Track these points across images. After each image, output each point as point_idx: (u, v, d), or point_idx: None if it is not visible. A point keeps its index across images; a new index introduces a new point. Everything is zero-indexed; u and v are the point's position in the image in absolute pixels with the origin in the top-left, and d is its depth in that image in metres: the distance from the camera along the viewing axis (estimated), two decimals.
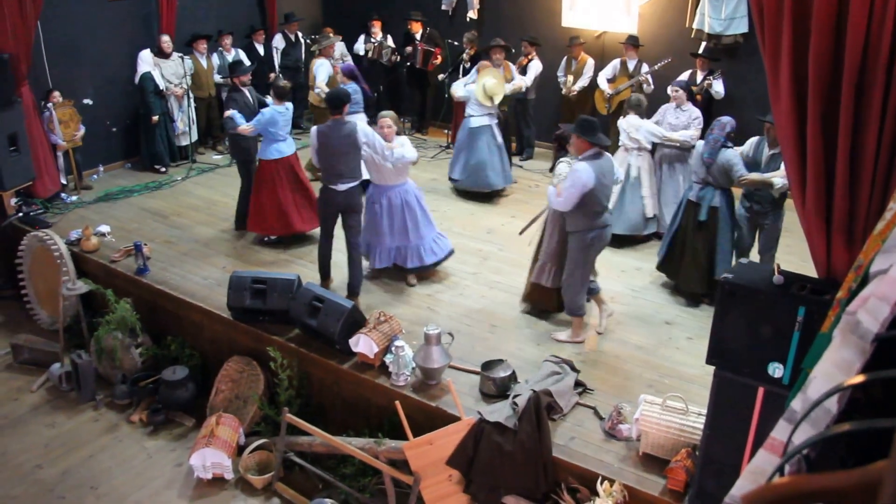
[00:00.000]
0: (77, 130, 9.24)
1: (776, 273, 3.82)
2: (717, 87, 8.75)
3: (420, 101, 11.84)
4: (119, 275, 7.50)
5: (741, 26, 9.31)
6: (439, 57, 11.16)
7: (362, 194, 6.87)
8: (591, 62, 10.00)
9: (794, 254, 7.38)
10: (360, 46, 11.53)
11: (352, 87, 8.44)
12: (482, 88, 8.80)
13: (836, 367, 1.82)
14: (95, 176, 9.96)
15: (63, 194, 9.18)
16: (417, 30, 11.28)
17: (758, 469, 2.00)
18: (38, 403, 6.89)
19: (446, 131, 11.30)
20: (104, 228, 8.22)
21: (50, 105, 8.92)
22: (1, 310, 8.34)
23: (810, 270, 3.90)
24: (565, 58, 10.18)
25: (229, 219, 8.66)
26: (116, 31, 10.00)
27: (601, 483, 4.70)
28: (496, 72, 9.00)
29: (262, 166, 7.82)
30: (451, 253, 7.32)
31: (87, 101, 9.75)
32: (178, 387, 6.56)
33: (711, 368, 4.15)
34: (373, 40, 11.33)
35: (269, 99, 8.02)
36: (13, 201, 8.54)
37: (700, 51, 9.11)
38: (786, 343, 3.75)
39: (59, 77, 9.39)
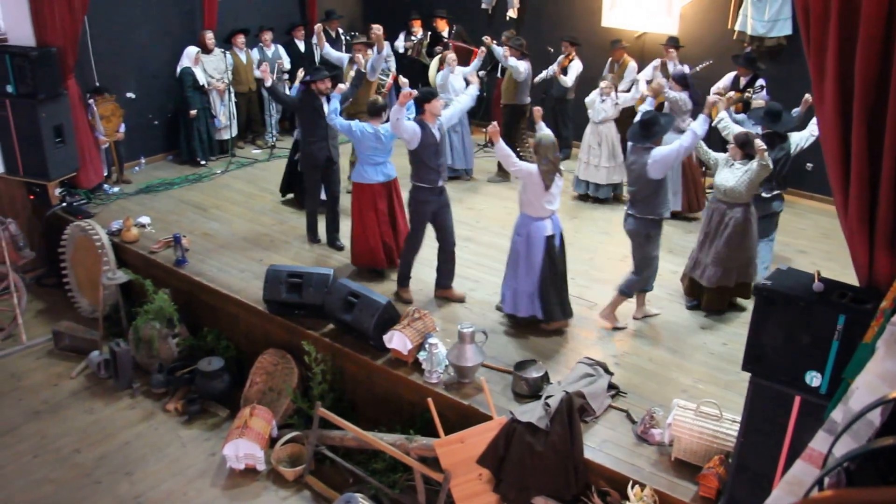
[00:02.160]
0: (119, 127, 9.41)
1: (816, 280, 3.77)
2: (759, 103, 8.55)
3: None
4: (158, 265, 7.63)
5: (785, 28, 9.15)
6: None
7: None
8: (633, 65, 9.90)
9: (835, 260, 7.28)
10: (399, 44, 11.57)
11: None
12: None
13: (880, 378, 1.79)
14: (137, 168, 10.15)
15: (105, 185, 9.36)
16: (443, 28, 11.25)
17: (795, 480, 1.98)
18: (78, 389, 7.04)
19: (484, 130, 11.26)
20: (144, 220, 8.38)
21: (91, 101, 9.08)
22: (43, 297, 8.54)
23: (851, 278, 3.84)
24: (609, 60, 10.10)
25: (267, 213, 8.79)
26: (160, 27, 10.17)
27: (632, 487, 4.67)
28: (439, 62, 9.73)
29: (352, 188, 7.24)
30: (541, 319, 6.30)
31: (130, 94, 9.92)
32: (213, 377, 6.65)
33: (747, 375, 4.10)
34: (412, 38, 11.35)
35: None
36: (57, 191, 8.73)
37: (741, 58, 8.90)
38: (824, 352, 3.70)
39: (103, 71, 9.57)
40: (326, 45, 8.69)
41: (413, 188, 6.61)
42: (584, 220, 8.68)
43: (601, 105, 8.81)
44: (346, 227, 7.68)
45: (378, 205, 7.01)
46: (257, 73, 10.78)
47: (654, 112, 6.28)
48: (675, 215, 8.59)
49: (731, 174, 6.28)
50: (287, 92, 8.30)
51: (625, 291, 6.39)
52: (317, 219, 8.01)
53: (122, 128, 9.47)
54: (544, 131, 6.31)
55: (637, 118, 6.35)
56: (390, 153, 7.04)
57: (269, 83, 7.56)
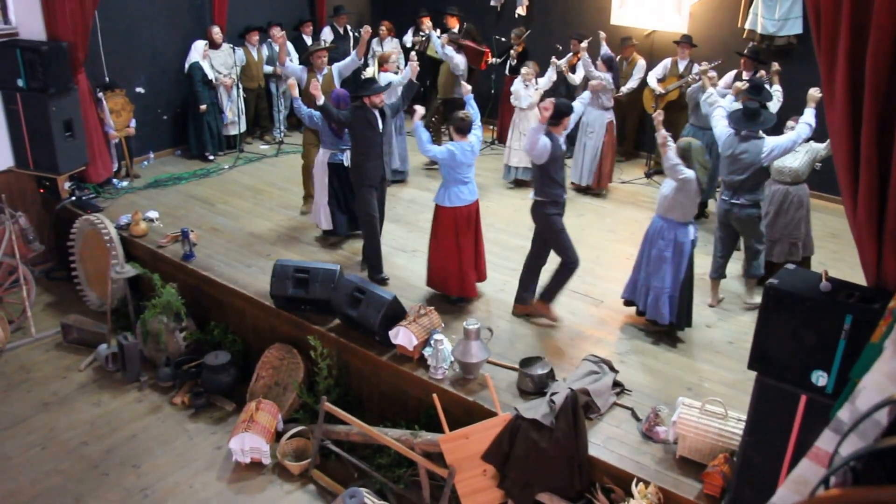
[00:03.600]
0: (129, 121, 9.44)
1: (824, 279, 3.77)
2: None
3: None
4: (166, 260, 7.66)
5: (795, 27, 9.12)
6: (491, 57, 11.07)
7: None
8: (641, 63, 9.88)
9: (843, 260, 7.28)
10: (408, 38, 11.58)
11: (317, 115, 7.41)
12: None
13: (888, 378, 1.79)
14: (146, 162, 10.19)
15: (114, 180, 9.40)
16: (454, 25, 11.21)
17: (801, 478, 1.98)
18: (86, 382, 7.08)
19: (491, 127, 11.28)
20: (153, 214, 8.41)
21: (101, 95, 9.11)
22: (52, 290, 8.59)
23: (859, 277, 3.83)
24: (617, 58, 10.07)
25: (275, 208, 8.81)
26: (170, 22, 10.21)
27: (636, 484, 4.67)
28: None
29: (438, 213, 6.58)
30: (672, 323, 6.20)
31: (139, 89, 9.97)
32: (219, 371, 6.68)
33: (752, 374, 4.09)
34: (421, 34, 11.35)
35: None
36: (67, 185, 8.77)
37: (746, 51, 8.88)
38: (831, 351, 3.69)
39: (113, 65, 9.60)
40: (287, 61, 8.34)
41: (538, 204, 6.25)
42: (591, 219, 8.68)
43: (525, 92, 9.22)
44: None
45: (468, 228, 6.55)
46: (267, 70, 10.81)
47: (757, 104, 6.50)
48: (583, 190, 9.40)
49: (791, 157, 6.70)
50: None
51: (758, 273, 6.67)
52: (381, 250, 7.23)
53: (133, 122, 9.50)
54: (686, 137, 6.39)
55: (736, 109, 6.59)
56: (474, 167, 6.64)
57: (321, 101, 6.97)
